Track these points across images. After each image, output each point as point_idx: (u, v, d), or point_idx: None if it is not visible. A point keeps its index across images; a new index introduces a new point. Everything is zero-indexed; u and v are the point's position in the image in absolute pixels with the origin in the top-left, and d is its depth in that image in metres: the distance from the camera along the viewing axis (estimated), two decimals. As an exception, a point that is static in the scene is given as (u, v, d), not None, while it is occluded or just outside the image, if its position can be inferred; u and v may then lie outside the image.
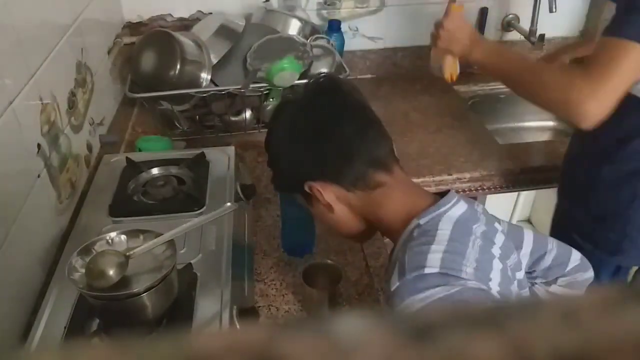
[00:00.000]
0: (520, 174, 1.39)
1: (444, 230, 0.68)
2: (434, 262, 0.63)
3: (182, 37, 1.38)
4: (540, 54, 1.73)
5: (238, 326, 0.82)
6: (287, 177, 0.78)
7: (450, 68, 1.23)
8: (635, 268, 1.23)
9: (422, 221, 0.70)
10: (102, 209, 1.02)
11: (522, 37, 1.78)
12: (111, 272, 0.72)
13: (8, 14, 0.88)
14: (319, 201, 0.75)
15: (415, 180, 1.33)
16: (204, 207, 1.01)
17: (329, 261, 1.00)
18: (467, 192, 1.38)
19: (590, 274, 0.88)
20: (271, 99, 1.38)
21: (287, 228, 1.08)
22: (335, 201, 0.75)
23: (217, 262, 0.90)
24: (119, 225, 0.97)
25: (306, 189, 0.75)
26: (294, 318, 0.96)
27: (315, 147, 0.73)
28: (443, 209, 0.70)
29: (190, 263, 0.88)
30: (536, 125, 1.82)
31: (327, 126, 0.72)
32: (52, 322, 0.80)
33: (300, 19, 1.54)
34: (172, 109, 1.38)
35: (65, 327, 0.79)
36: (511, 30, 1.84)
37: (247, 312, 0.85)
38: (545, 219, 1.43)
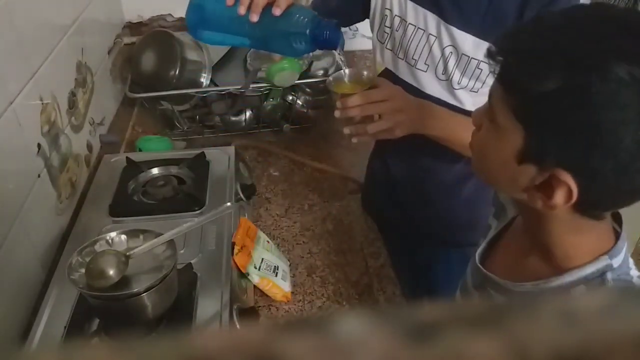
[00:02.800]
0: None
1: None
2: None
3: (183, 37, 1.38)
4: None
5: (238, 326, 0.82)
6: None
7: None
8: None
9: (614, 262, 0.58)
10: (102, 208, 1.02)
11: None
12: (111, 272, 0.72)
13: (8, 14, 0.88)
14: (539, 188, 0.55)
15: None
16: (204, 207, 1.01)
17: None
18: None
19: None
20: (271, 99, 1.38)
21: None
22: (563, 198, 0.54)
23: (217, 262, 0.90)
24: (119, 225, 0.97)
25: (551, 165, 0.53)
26: (294, 318, 0.96)
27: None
28: (624, 245, 0.59)
29: (191, 263, 0.88)
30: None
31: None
32: (52, 322, 0.80)
33: (300, 19, 1.53)
34: (172, 109, 1.38)
35: (65, 327, 0.79)
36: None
37: (247, 312, 0.85)
38: None
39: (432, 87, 0.99)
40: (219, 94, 1.35)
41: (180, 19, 1.65)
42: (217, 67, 1.40)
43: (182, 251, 0.89)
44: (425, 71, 0.99)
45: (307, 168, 1.34)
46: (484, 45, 0.89)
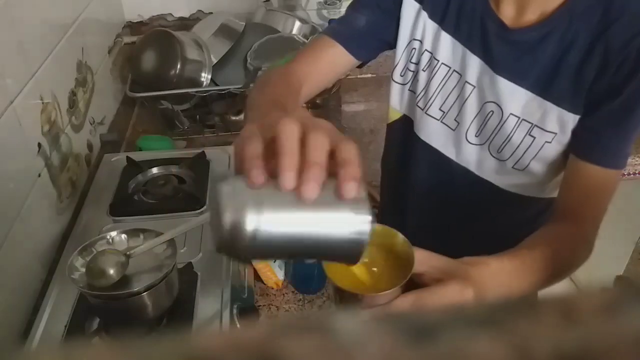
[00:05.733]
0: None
1: None
2: None
3: (183, 37, 1.38)
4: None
5: (238, 325, 0.82)
6: None
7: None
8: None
9: None
10: (103, 208, 1.02)
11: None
12: (111, 272, 0.72)
13: (9, 14, 0.88)
14: None
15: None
16: (205, 207, 1.01)
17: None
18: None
19: None
20: (272, 99, 1.38)
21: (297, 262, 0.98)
22: None
23: (217, 262, 0.90)
24: (120, 225, 0.97)
25: None
26: (294, 318, 0.96)
27: None
28: None
29: (191, 262, 0.88)
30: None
31: None
32: (53, 321, 0.80)
33: (300, 19, 1.53)
34: (172, 109, 1.38)
35: (65, 326, 0.79)
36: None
37: (247, 311, 0.85)
38: None
39: (459, 152, 0.81)
40: (219, 93, 1.35)
41: (181, 18, 1.65)
42: (218, 67, 1.40)
43: (182, 250, 0.89)
44: (454, 129, 0.80)
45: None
46: (545, 105, 0.73)
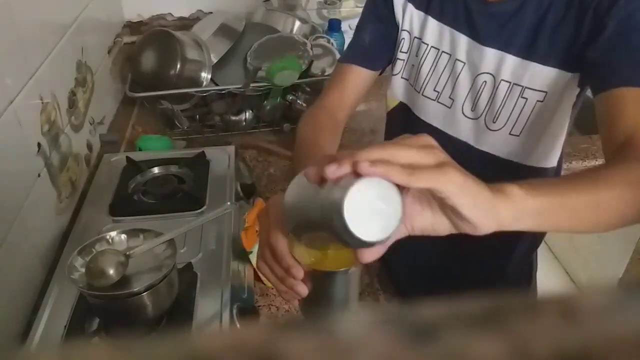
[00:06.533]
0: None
1: None
2: None
3: (183, 37, 1.38)
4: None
5: (238, 326, 0.82)
6: None
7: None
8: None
9: None
10: (103, 208, 1.02)
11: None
12: (111, 272, 0.72)
13: (8, 14, 0.88)
14: None
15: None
16: (204, 207, 1.01)
17: None
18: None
19: None
20: (271, 99, 1.38)
21: None
22: None
23: (217, 262, 0.90)
24: (119, 225, 0.97)
25: None
26: (294, 318, 0.96)
27: None
28: None
29: (191, 262, 0.88)
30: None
31: None
32: (53, 321, 0.80)
33: (300, 19, 1.53)
34: (172, 108, 1.38)
35: (65, 326, 0.79)
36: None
37: (247, 311, 0.85)
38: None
39: (458, 127, 0.84)
40: (219, 93, 1.35)
41: (181, 18, 1.65)
42: (217, 67, 1.40)
43: (182, 251, 0.89)
44: (450, 107, 0.84)
45: (307, 167, 1.34)
46: (532, 67, 0.76)
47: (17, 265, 0.86)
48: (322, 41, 1.48)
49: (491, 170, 0.79)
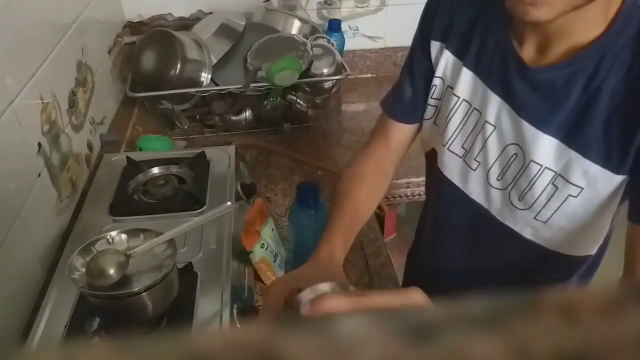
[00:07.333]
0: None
1: None
2: None
3: (183, 37, 1.38)
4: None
5: (238, 325, 0.82)
6: None
7: None
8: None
9: None
10: (103, 208, 1.02)
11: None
12: (111, 271, 0.72)
13: (9, 13, 0.88)
14: None
15: (414, 179, 1.33)
16: (205, 206, 1.01)
17: None
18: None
19: None
20: (271, 99, 1.38)
21: (297, 244, 0.99)
22: None
23: (217, 261, 0.90)
24: (120, 225, 0.97)
25: None
26: (294, 317, 0.96)
27: None
28: None
29: (191, 262, 0.88)
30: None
31: None
32: (53, 321, 0.80)
33: (300, 19, 1.53)
34: (172, 108, 1.38)
35: (65, 326, 0.79)
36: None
37: (247, 311, 0.85)
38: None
39: (480, 192, 0.76)
40: (219, 93, 1.35)
41: (181, 18, 1.65)
42: (218, 67, 1.40)
43: (182, 250, 0.89)
44: (475, 169, 0.76)
45: (308, 167, 1.34)
46: (570, 155, 0.66)
47: (18, 265, 0.86)
48: (322, 41, 1.48)
49: (512, 245, 0.75)
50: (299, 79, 1.33)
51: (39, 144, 0.95)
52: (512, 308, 0.14)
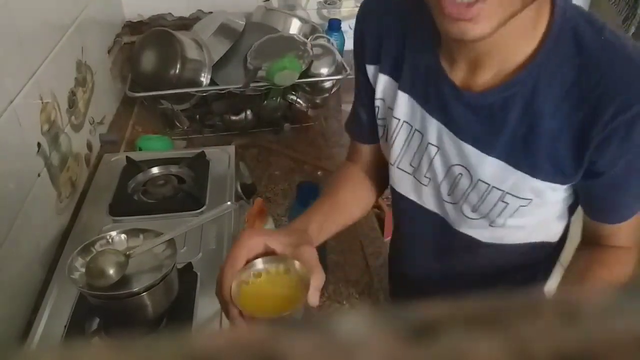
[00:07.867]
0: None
1: None
2: None
3: (183, 36, 1.38)
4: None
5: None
6: None
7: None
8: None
9: None
10: (102, 208, 1.02)
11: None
12: (111, 272, 0.72)
13: (8, 13, 0.88)
14: None
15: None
16: (204, 207, 1.01)
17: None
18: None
19: None
20: (272, 99, 1.38)
21: None
22: None
23: (217, 261, 0.89)
24: (119, 225, 0.97)
25: None
26: (294, 317, 0.96)
27: None
28: None
29: (191, 262, 0.88)
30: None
31: None
32: (53, 321, 0.80)
33: (300, 18, 1.54)
34: (172, 108, 1.38)
35: (65, 326, 0.79)
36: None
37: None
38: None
39: (435, 205, 0.78)
40: (219, 93, 1.35)
41: (181, 18, 1.65)
42: (218, 66, 1.40)
43: (182, 250, 0.89)
44: (426, 185, 0.76)
45: (308, 167, 1.34)
46: (516, 176, 0.66)
47: (17, 265, 0.86)
48: (322, 41, 1.48)
49: (477, 249, 0.79)
50: (299, 78, 1.33)
51: (39, 144, 0.95)
52: (512, 308, 0.14)
